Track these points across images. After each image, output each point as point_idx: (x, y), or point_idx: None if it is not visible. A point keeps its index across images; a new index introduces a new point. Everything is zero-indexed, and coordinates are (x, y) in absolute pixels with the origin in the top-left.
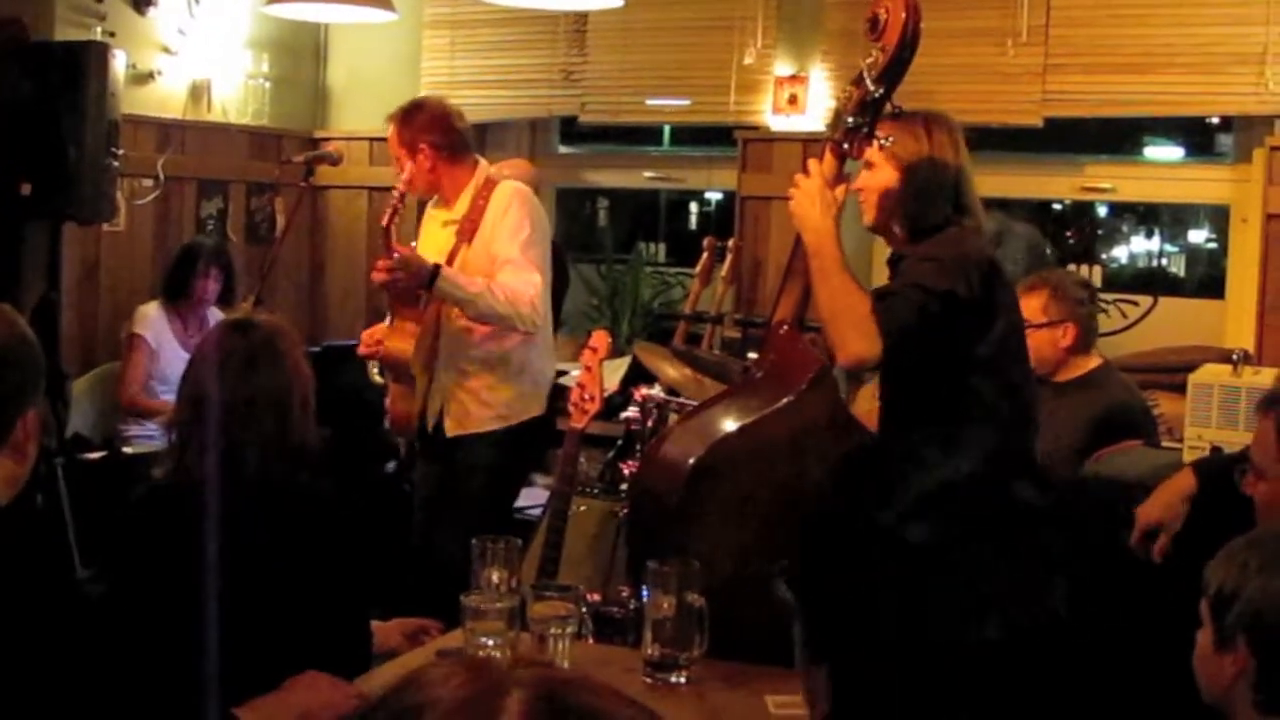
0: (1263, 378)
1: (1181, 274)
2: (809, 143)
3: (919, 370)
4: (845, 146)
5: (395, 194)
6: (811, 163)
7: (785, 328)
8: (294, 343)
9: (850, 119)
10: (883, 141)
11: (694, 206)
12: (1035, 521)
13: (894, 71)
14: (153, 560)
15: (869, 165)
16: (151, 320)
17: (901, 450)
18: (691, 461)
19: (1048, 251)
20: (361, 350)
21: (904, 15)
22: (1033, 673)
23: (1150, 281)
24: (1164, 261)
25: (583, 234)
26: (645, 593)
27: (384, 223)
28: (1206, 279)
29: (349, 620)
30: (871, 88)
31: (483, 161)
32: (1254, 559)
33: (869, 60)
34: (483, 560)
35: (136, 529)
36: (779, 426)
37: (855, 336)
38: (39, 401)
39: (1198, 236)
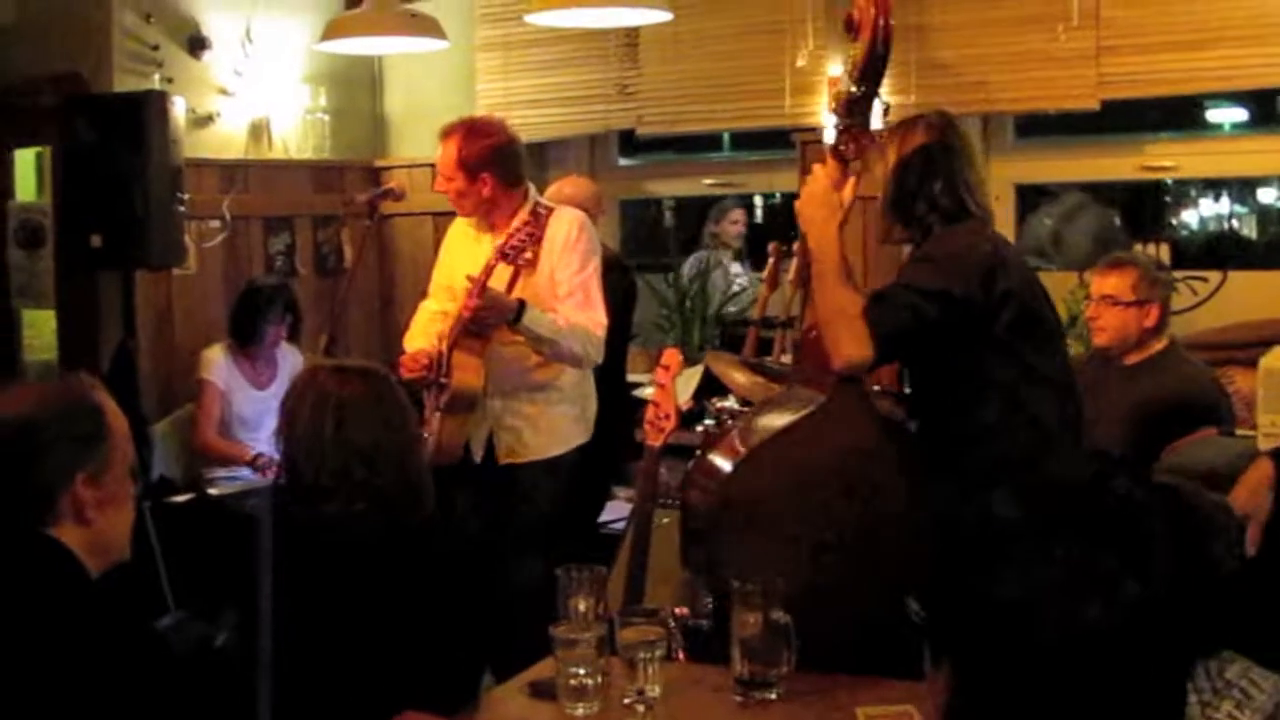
0: None
1: (1253, 235)
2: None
3: (932, 367)
4: (841, 148)
5: (510, 242)
6: (816, 167)
7: (815, 333)
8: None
9: (840, 122)
10: (878, 139)
11: (758, 208)
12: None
13: (872, 69)
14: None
15: None
16: (218, 364)
17: (937, 445)
18: (726, 472)
19: (1116, 222)
20: (404, 375)
21: (874, 12)
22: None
23: (1220, 248)
24: (1235, 224)
25: (648, 243)
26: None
27: (492, 263)
28: (1277, 241)
29: (459, 658)
30: (854, 88)
31: (532, 188)
32: None
33: (850, 61)
34: (569, 589)
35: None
36: (808, 434)
37: (847, 339)
38: (97, 466)
39: (1268, 196)
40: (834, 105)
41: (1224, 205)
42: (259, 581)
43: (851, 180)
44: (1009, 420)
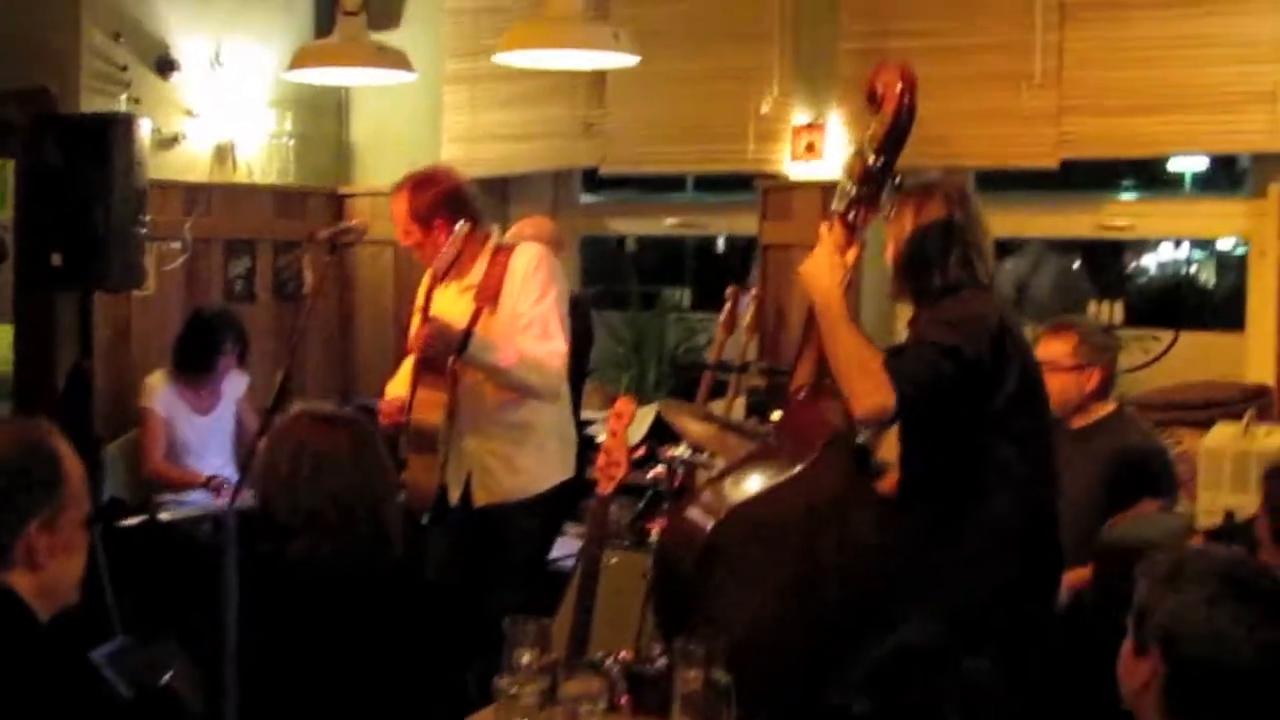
0: (1274, 439)
1: (1211, 282)
2: (828, 189)
3: (934, 430)
4: (851, 216)
5: (440, 262)
6: (822, 230)
7: (803, 393)
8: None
9: (853, 190)
10: (888, 213)
11: (720, 247)
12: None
13: (893, 141)
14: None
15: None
16: (158, 392)
17: (924, 519)
18: (708, 529)
19: (1074, 268)
20: (383, 421)
21: (900, 87)
22: None
23: (1177, 297)
24: (1193, 269)
25: (608, 279)
26: None
27: (421, 303)
28: (1233, 293)
29: (410, 706)
30: (872, 159)
31: (495, 227)
32: (1173, 576)
33: (869, 132)
34: (514, 640)
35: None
36: (792, 495)
37: (870, 388)
38: (51, 512)
39: (1226, 243)
40: (850, 173)
41: (1183, 251)
42: (221, 609)
43: (856, 246)
44: (1003, 507)
